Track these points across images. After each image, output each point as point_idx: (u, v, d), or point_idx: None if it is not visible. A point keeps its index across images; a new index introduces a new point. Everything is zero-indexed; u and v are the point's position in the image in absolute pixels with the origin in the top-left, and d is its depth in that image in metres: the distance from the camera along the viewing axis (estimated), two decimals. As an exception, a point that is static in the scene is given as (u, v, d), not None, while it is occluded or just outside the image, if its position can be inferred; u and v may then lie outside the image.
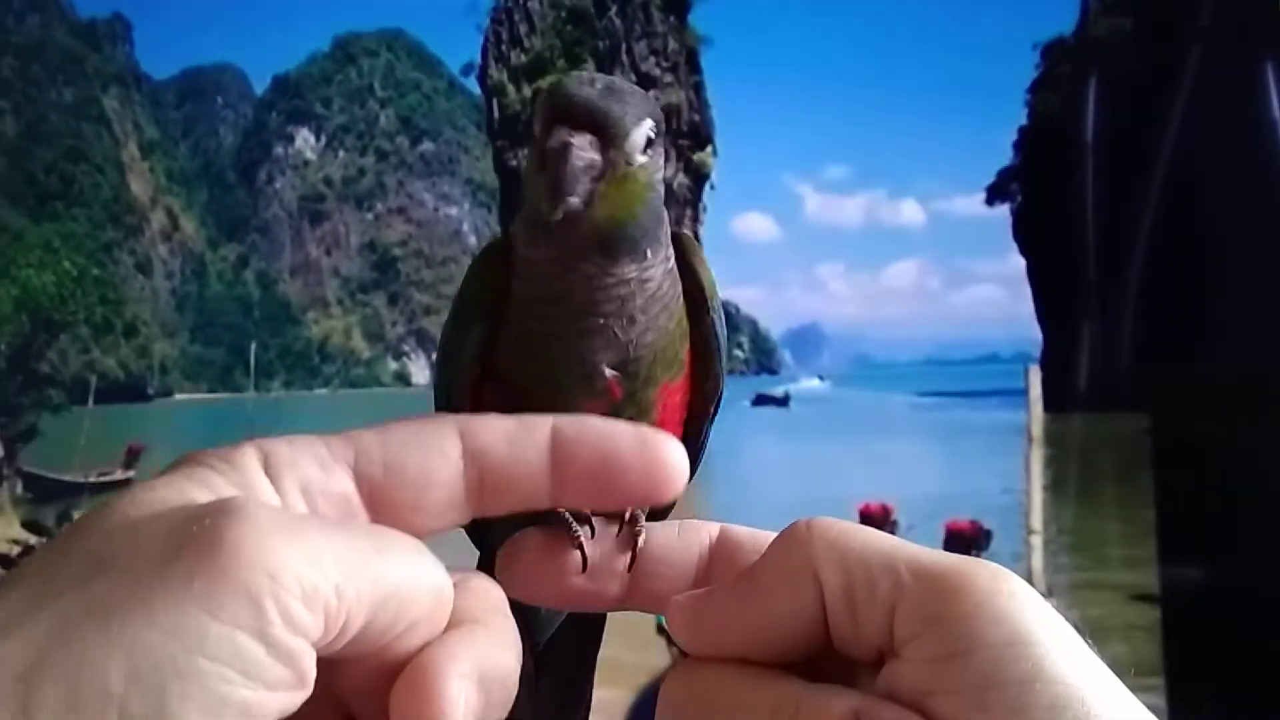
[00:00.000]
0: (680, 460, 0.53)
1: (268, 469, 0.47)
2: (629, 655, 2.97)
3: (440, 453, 0.50)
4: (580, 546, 0.59)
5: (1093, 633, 2.75)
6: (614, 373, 0.63)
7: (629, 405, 0.63)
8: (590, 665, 0.75)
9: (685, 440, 0.59)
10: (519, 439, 0.52)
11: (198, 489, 0.45)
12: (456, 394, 0.66)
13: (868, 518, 3.13)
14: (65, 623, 0.39)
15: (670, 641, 2.84)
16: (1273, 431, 2.93)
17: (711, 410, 0.69)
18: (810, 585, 0.50)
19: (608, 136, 0.61)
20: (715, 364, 0.67)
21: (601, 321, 0.62)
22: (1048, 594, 3.14)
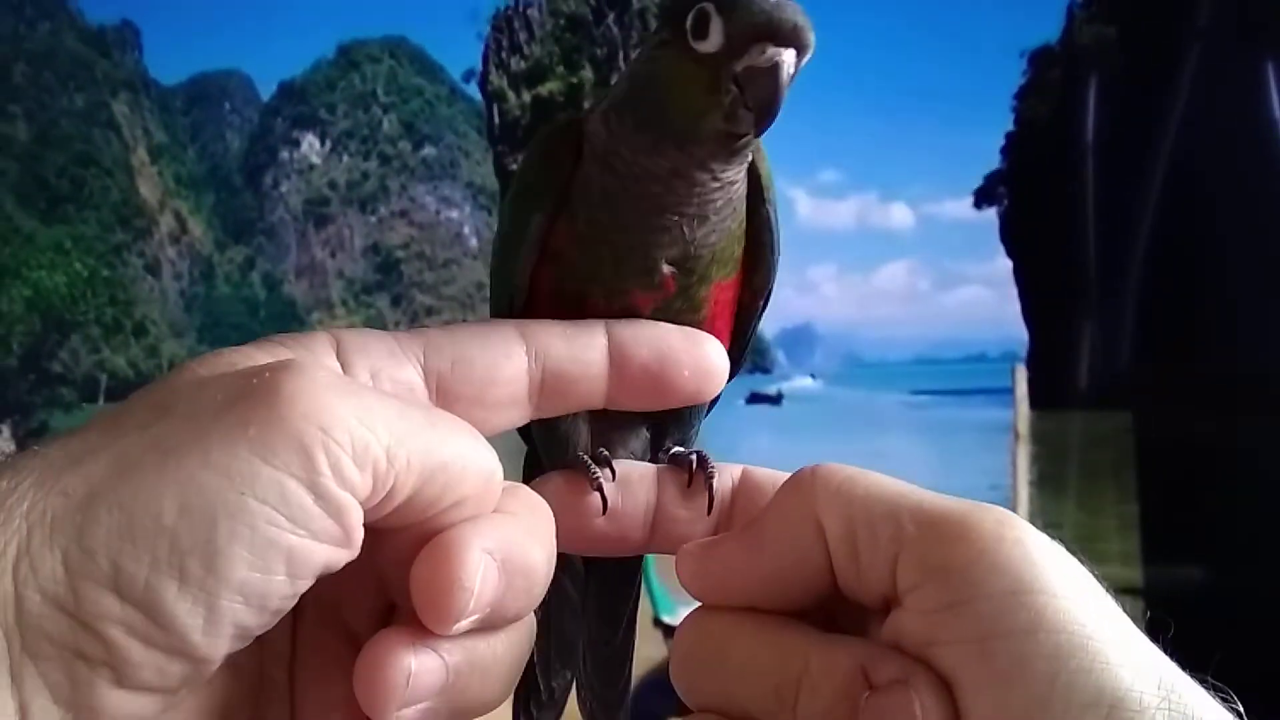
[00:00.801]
0: (722, 358, 0.58)
1: (340, 352, 0.49)
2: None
3: (505, 351, 0.53)
4: (600, 489, 0.59)
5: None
6: (671, 268, 0.61)
7: (681, 299, 0.62)
8: (635, 583, 0.73)
9: (735, 335, 0.65)
10: (578, 340, 0.55)
11: (266, 357, 0.47)
12: (516, 278, 0.62)
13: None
14: (126, 458, 0.41)
15: (667, 634, 2.83)
16: (1257, 430, 2.93)
17: (760, 305, 0.67)
18: (813, 533, 0.51)
19: (804, 53, 0.60)
20: (768, 258, 0.66)
21: (676, 218, 0.61)
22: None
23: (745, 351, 0.69)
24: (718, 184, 0.61)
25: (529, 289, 0.63)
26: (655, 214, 0.61)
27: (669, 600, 3.05)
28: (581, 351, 0.55)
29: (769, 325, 3.74)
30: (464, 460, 0.46)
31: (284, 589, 0.43)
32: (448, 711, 0.46)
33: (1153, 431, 3.22)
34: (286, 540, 0.42)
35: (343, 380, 0.45)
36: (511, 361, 0.52)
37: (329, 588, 0.46)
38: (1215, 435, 2.97)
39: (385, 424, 0.44)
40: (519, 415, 0.54)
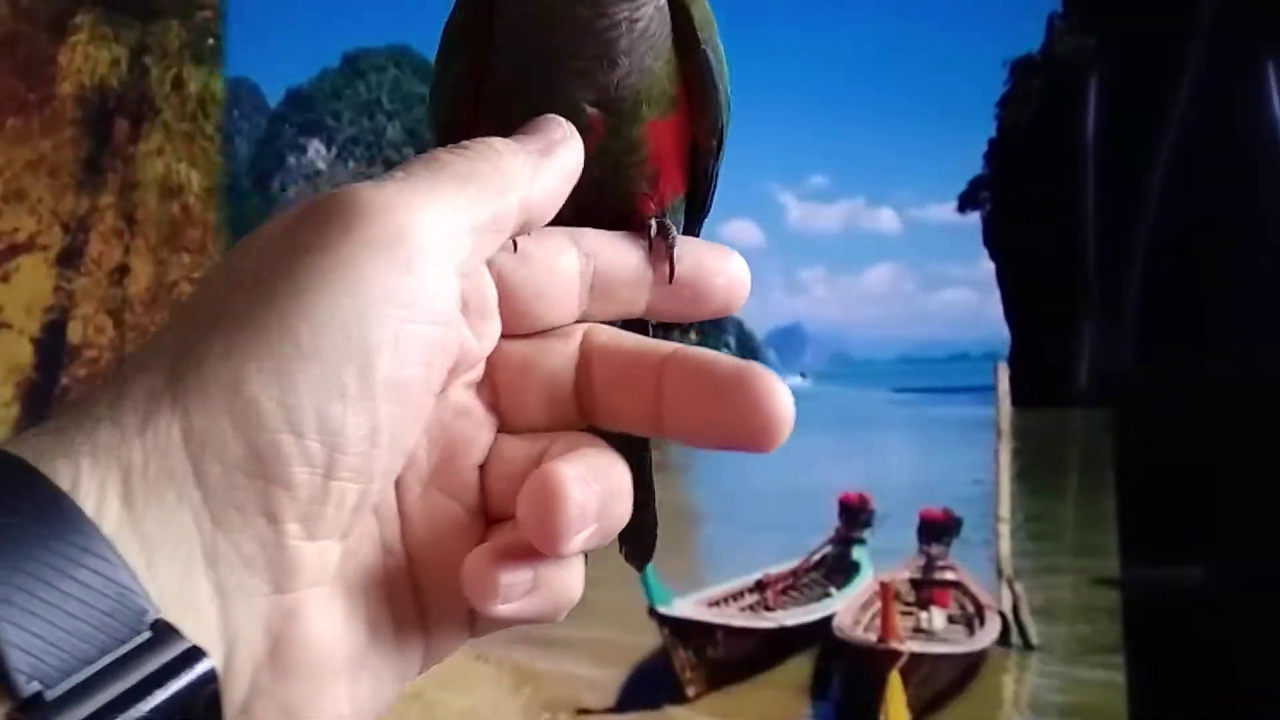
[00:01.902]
0: (747, 271, 0.56)
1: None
2: (623, 637, 2.96)
3: (560, 248, 0.52)
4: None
5: (1056, 613, 2.75)
6: (595, 110, 0.59)
7: (615, 140, 0.59)
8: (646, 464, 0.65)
9: (695, 178, 0.64)
10: (622, 244, 0.55)
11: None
12: (451, 132, 0.57)
13: (846, 506, 3.13)
14: (236, 315, 0.42)
15: (662, 623, 2.82)
16: (1237, 428, 2.92)
17: (716, 146, 0.65)
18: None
19: None
20: (711, 98, 0.63)
21: (584, 64, 0.59)
22: (1015, 576, 3.14)
23: (709, 198, 0.68)
24: (606, 21, 0.58)
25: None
26: (561, 59, 0.59)
27: (664, 591, 3.07)
28: (627, 255, 0.54)
29: (760, 326, 3.70)
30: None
31: (424, 381, 0.44)
32: (600, 536, 0.47)
33: (1132, 429, 3.26)
34: (413, 331, 0.43)
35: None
36: (568, 256, 0.52)
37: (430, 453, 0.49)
38: (1195, 433, 3.01)
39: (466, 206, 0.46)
40: (570, 312, 0.53)
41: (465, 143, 0.50)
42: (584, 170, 0.54)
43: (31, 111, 3.40)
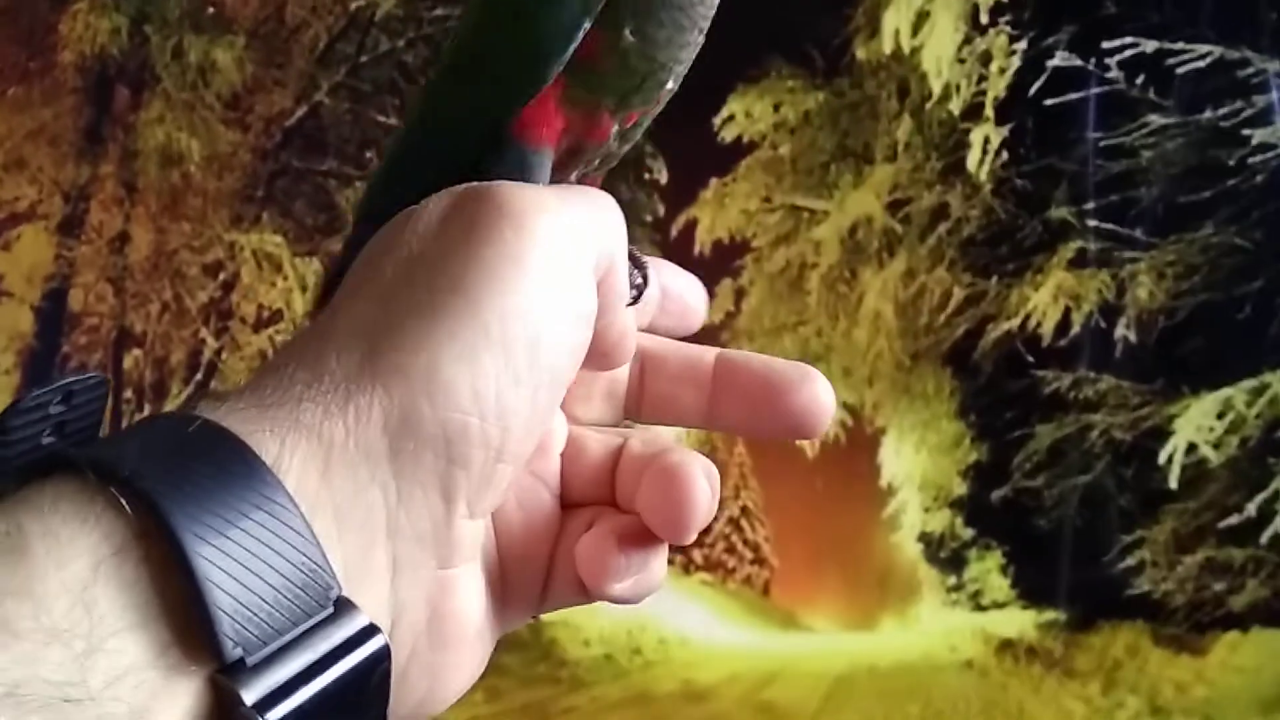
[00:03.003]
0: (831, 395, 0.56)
1: None
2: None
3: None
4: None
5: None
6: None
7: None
8: None
9: None
10: (687, 352, 0.61)
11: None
12: (525, 95, 0.55)
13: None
14: (421, 304, 0.45)
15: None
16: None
17: None
18: None
19: None
20: None
21: (696, 32, 0.59)
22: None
23: None
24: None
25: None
26: (687, 27, 0.57)
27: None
28: (694, 362, 0.58)
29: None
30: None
31: (568, 372, 0.48)
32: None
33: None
34: (569, 326, 0.47)
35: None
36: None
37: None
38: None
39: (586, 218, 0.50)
40: (611, 413, 0.57)
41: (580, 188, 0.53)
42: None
43: (32, 80, 3.38)
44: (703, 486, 0.48)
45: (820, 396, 0.53)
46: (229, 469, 0.38)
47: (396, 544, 0.42)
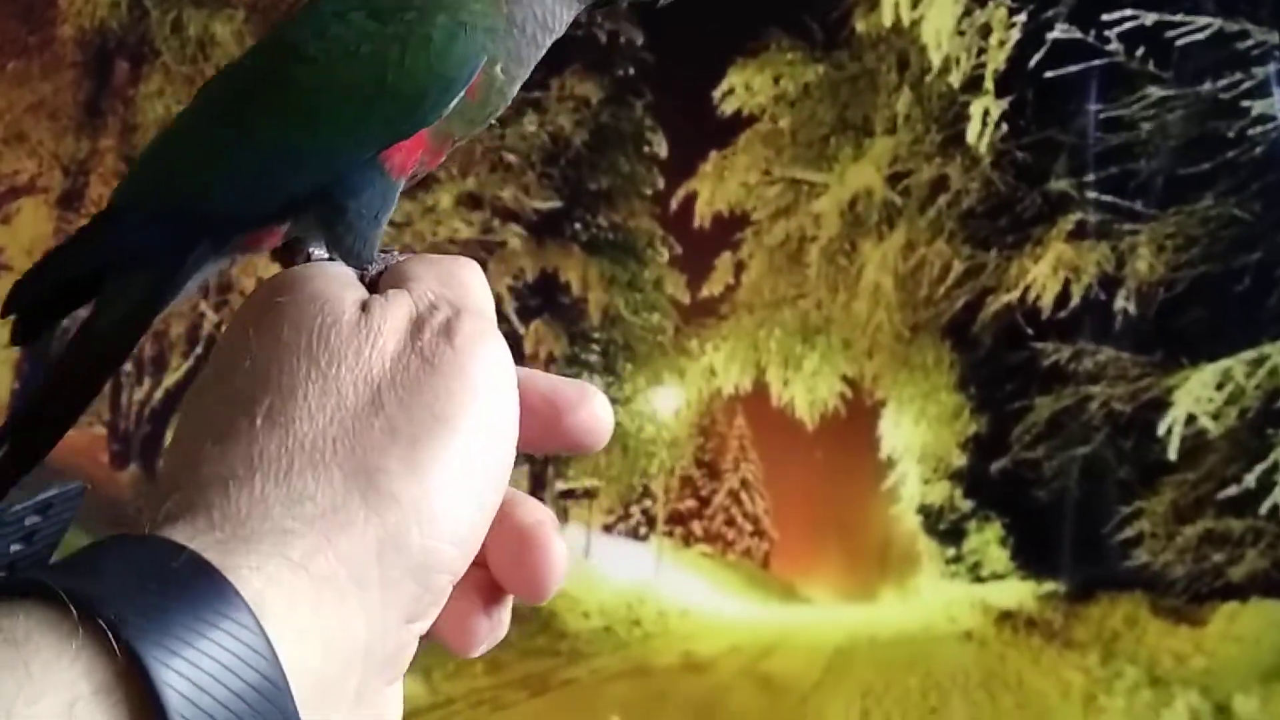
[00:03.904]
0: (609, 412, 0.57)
1: None
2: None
3: None
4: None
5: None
6: None
7: None
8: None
9: None
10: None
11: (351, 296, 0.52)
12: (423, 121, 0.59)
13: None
14: (393, 457, 0.45)
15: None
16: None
17: None
18: None
19: None
20: None
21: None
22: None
23: None
24: None
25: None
26: (533, 60, 0.61)
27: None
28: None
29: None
30: None
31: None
32: None
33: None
34: (513, 438, 0.49)
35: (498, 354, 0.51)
36: None
37: None
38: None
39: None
40: None
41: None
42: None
43: (32, 54, 3.37)
44: (561, 549, 0.50)
45: (598, 413, 0.54)
46: (213, 619, 0.37)
47: (366, 670, 0.43)
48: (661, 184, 3.77)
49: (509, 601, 0.51)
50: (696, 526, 3.72)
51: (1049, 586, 3.65)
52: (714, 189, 3.97)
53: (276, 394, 0.45)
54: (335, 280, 0.50)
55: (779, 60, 3.57)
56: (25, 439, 0.57)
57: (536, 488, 4.34)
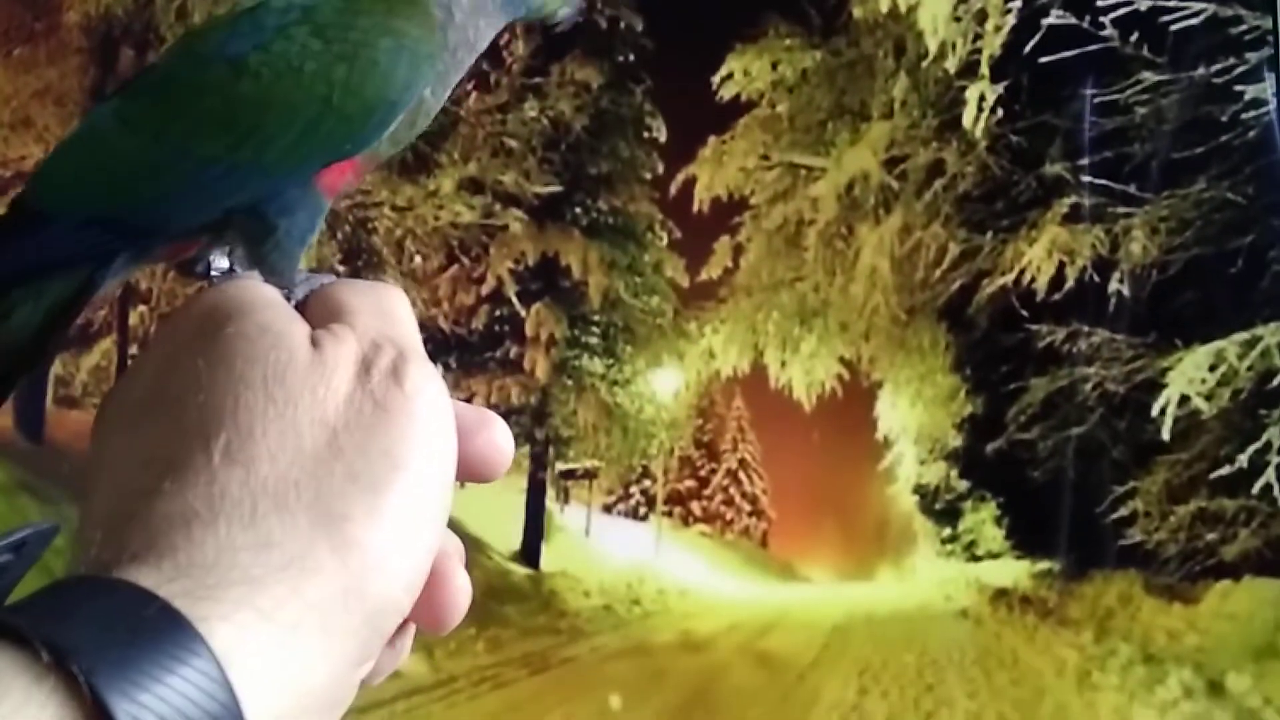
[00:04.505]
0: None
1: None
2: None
3: None
4: None
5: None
6: None
7: None
8: None
9: None
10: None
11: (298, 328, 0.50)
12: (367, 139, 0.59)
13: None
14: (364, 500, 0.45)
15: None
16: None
17: None
18: None
19: None
20: None
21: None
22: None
23: None
24: None
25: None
26: (457, 83, 0.61)
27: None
28: None
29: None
30: None
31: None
32: None
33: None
34: (449, 501, 0.48)
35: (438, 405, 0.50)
36: None
37: None
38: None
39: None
40: None
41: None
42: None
43: (38, 41, 3.37)
44: (464, 583, 0.49)
45: (497, 440, 0.53)
46: (181, 671, 0.37)
47: (320, 714, 0.42)
48: (661, 169, 3.75)
49: (411, 631, 0.50)
50: (695, 506, 3.71)
51: (1043, 565, 3.65)
52: (713, 173, 3.97)
53: (234, 430, 0.44)
54: (279, 311, 0.49)
55: (777, 46, 3.57)
56: None
57: (537, 468, 4.35)
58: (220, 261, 0.59)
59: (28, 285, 0.56)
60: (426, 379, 0.48)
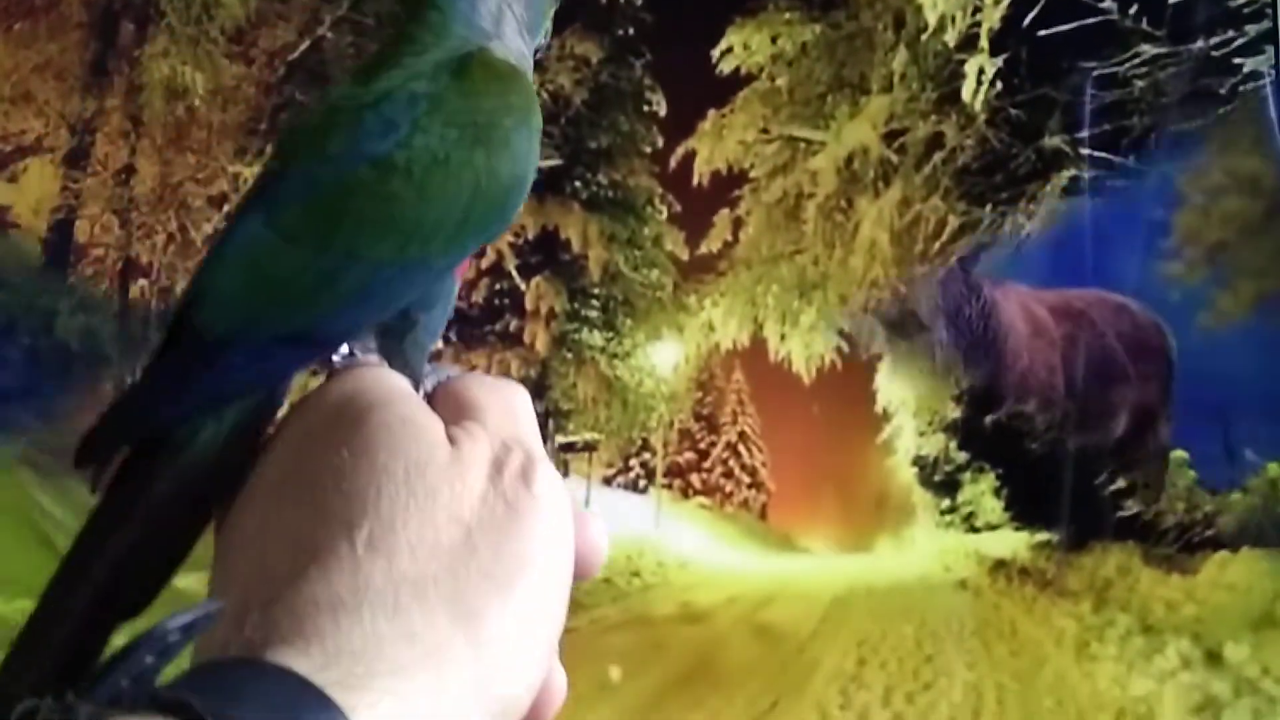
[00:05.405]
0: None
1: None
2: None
3: None
4: None
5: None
6: None
7: None
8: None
9: None
10: None
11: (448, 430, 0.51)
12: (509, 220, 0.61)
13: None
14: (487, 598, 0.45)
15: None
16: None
17: None
18: None
19: None
20: None
21: None
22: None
23: None
24: None
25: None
26: None
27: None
28: None
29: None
30: None
31: None
32: None
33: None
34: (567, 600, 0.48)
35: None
36: None
37: None
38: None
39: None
40: None
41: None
42: None
43: (38, 15, 3.36)
44: (563, 681, 0.49)
45: (594, 537, 0.53)
46: None
47: None
48: (661, 142, 3.74)
49: None
50: (695, 479, 3.71)
51: (1042, 536, 3.65)
52: (713, 147, 3.96)
53: (376, 520, 0.45)
54: (417, 405, 0.50)
55: (777, 20, 3.55)
56: (130, 589, 0.53)
57: (538, 441, 4.37)
58: (340, 346, 0.58)
59: (198, 418, 0.54)
60: (551, 483, 0.49)
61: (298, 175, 0.56)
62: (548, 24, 0.64)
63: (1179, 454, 3.31)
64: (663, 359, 8.29)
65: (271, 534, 0.46)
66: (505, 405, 0.52)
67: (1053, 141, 3.41)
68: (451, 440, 0.49)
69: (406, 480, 0.46)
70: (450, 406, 0.52)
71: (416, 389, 0.53)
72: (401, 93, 0.57)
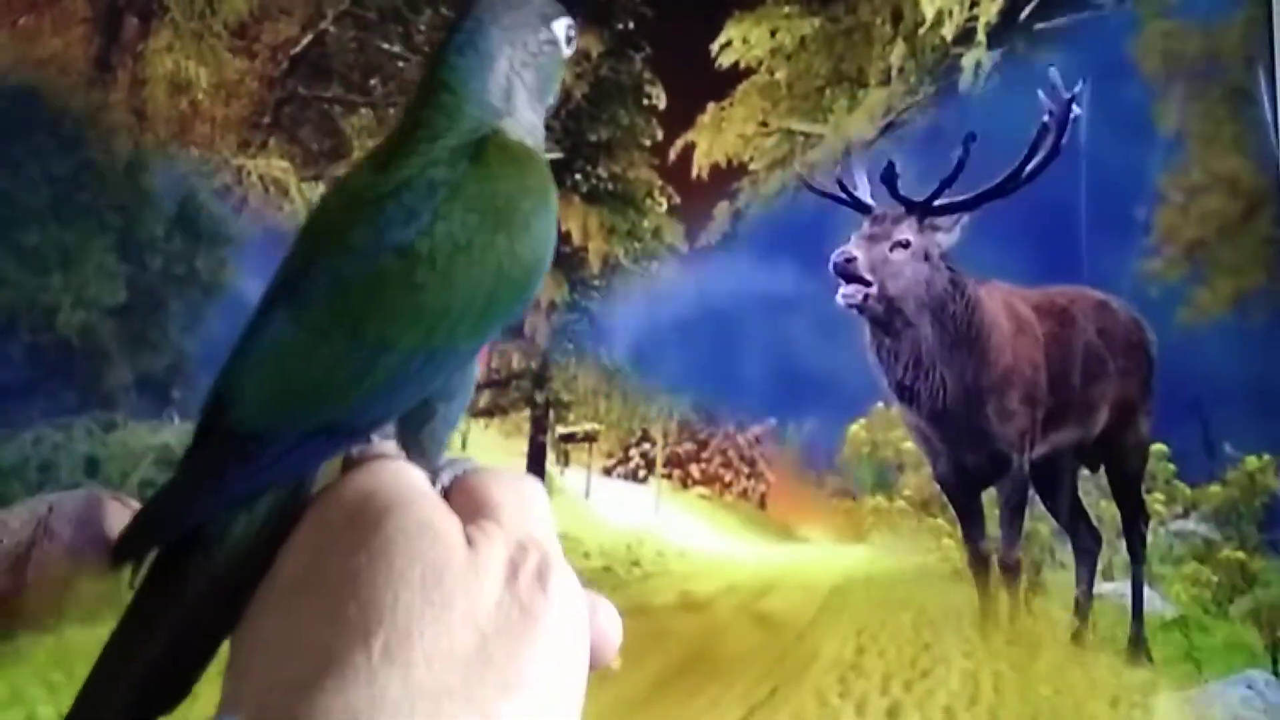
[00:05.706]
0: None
1: None
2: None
3: None
4: None
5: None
6: None
7: None
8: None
9: None
10: None
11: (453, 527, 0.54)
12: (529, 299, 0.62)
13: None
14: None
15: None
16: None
17: None
18: None
19: None
20: None
21: None
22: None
23: None
24: None
25: None
26: None
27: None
28: None
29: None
30: None
31: None
32: None
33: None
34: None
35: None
36: None
37: None
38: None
39: None
40: None
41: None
42: None
43: (42, 10, 3.36)
44: None
45: (604, 626, 0.56)
46: None
47: None
48: (660, 135, 3.77)
49: None
50: (694, 469, 3.73)
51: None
52: (712, 140, 3.98)
53: (392, 629, 0.46)
54: (435, 505, 0.52)
55: (776, 14, 3.56)
56: (165, 686, 0.55)
57: (538, 431, 4.38)
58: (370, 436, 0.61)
59: (242, 504, 0.56)
60: (566, 583, 0.51)
61: (322, 269, 0.59)
62: (556, 85, 0.66)
63: (1159, 447, 3.32)
64: (662, 351, 8.30)
65: (289, 639, 0.48)
66: (519, 501, 0.55)
67: (1050, 135, 3.43)
68: (468, 541, 0.51)
69: (423, 587, 0.48)
70: (466, 503, 0.54)
71: (433, 481, 0.55)
72: (420, 180, 0.59)
